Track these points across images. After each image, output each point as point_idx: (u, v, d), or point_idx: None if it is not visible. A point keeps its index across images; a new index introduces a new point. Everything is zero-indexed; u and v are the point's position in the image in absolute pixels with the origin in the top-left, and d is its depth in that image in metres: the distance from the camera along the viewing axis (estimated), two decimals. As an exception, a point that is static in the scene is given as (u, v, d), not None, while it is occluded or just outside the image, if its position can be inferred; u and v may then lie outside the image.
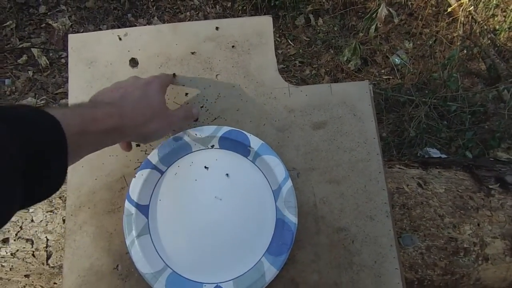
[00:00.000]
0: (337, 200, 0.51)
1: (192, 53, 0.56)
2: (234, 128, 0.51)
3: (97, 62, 0.56)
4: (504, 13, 1.69)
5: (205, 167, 0.51)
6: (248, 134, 0.51)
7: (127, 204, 0.48)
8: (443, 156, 0.98)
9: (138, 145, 0.53)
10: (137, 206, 0.48)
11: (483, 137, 1.02)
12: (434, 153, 1.01)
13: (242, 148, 0.51)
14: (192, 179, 0.51)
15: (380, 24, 1.32)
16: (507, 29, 1.60)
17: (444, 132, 1.07)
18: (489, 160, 0.65)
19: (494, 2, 1.64)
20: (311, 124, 0.54)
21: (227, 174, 0.51)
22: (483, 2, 1.61)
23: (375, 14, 1.14)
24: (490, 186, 0.60)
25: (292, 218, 0.47)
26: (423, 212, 0.56)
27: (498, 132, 0.96)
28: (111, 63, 0.56)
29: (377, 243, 0.49)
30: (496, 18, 1.69)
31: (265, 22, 0.58)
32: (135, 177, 0.49)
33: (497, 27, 1.64)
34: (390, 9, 1.17)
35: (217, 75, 0.56)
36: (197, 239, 0.49)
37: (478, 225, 0.56)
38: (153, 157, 0.50)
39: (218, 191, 0.50)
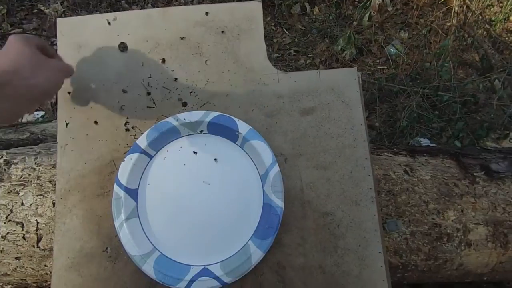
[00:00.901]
0: (324, 186, 0.51)
1: (182, 38, 0.56)
2: (222, 114, 0.52)
3: (86, 46, 0.55)
4: (501, 4, 1.68)
5: (194, 152, 0.52)
6: (236, 120, 0.51)
7: (116, 187, 0.49)
8: (433, 145, 0.99)
9: (127, 130, 0.53)
10: (126, 189, 0.49)
11: (474, 128, 1.03)
12: (425, 142, 1.02)
13: (230, 133, 0.51)
14: (180, 164, 0.51)
15: (374, 13, 1.32)
16: (502, 20, 1.60)
17: (436, 122, 1.08)
18: (475, 149, 0.66)
19: (491, -8, 1.63)
20: (299, 110, 0.54)
21: (215, 159, 0.51)
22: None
23: (369, 3, 1.13)
24: (475, 174, 0.61)
25: (278, 202, 0.48)
26: (408, 198, 0.57)
27: (486, 122, 0.97)
28: (100, 48, 0.55)
29: (361, 228, 0.50)
30: (492, 9, 1.68)
31: (255, 7, 0.58)
32: (124, 161, 0.50)
33: (493, 18, 1.64)
34: (384, -3, 1.16)
35: (206, 60, 0.56)
36: (185, 223, 0.49)
37: (462, 211, 0.57)
38: (142, 141, 0.50)
39: (206, 176, 0.51)
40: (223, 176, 0.51)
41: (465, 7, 1.35)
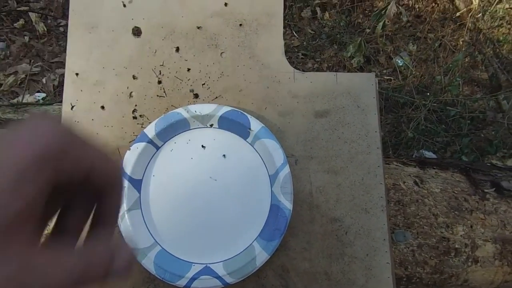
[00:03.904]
0: (334, 191, 0.50)
1: (198, 27, 0.54)
2: (235, 109, 0.50)
3: (99, 27, 0.54)
4: (509, 25, 1.69)
5: (202, 146, 0.50)
6: (249, 116, 0.49)
7: (119, 176, 0.47)
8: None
9: (134, 118, 0.51)
10: (130, 179, 0.47)
11: (479, 145, 1.02)
12: (429, 156, 1.02)
13: (241, 129, 0.49)
14: (188, 157, 0.49)
15: (388, 22, 1.31)
16: (511, 41, 1.61)
17: (442, 136, 1.07)
18: (486, 165, 0.65)
19: (500, 13, 1.64)
20: (313, 111, 0.53)
21: (224, 155, 0.50)
22: (490, 12, 1.61)
23: (384, 11, 1.13)
24: (486, 190, 0.60)
25: (287, 204, 0.46)
26: (417, 210, 0.56)
27: (495, 140, 0.97)
28: (113, 30, 0.54)
29: (370, 236, 0.48)
30: (500, 29, 1.69)
31: (275, 2, 0.56)
32: (129, 149, 0.48)
33: (501, 38, 1.65)
34: (400, 7, 1.16)
35: (222, 53, 0.54)
36: (189, 218, 0.47)
37: (471, 227, 0.56)
38: (150, 130, 0.48)
39: (213, 172, 0.49)
40: (230, 172, 0.49)
41: (477, 24, 1.35)
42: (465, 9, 1.37)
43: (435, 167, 0.62)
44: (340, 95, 0.53)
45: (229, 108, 0.50)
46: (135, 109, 0.52)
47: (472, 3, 1.31)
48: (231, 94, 0.53)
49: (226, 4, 0.55)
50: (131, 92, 0.52)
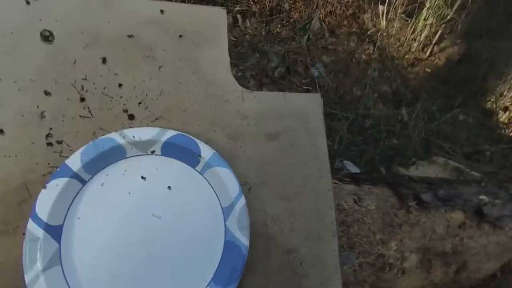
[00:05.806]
0: (288, 219, 0.48)
1: (130, 36, 0.46)
2: (182, 133, 0.44)
3: (-9, 25, 0.41)
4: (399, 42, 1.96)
5: (142, 177, 0.42)
6: (198, 141, 0.44)
7: (31, 224, 0.36)
8: (356, 169, 1.07)
9: (49, 144, 0.40)
10: (47, 227, 0.36)
11: (388, 154, 1.15)
12: (349, 165, 1.10)
13: (189, 156, 0.43)
14: (124, 192, 0.41)
15: (312, 36, 1.38)
16: (404, 58, 1.86)
17: (359, 146, 1.17)
18: (404, 178, 0.72)
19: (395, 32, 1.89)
20: (264, 134, 0.50)
21: (169, 187, 0.43)
22: (393, 32, 1.83)
23: (308, 26, 1.18)
24: (409, 204, 0.66)
25: (244, 240, 0.42)
26: (359, 230, 0.58)
27: (398, 149, 1.10)
28: (12, 32, 0.41)
29: (323, 264, 0.48)
30: (400, 48, 1.95)
31: (218, 14, 0.52)
32: (45, 187, 0.37)
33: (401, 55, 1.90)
34: (323, 23, 1.23)
35: (160, 66, 0.47)
36: (128, 267, 0.39)
37: (401, 240, 0.61)
38: (75, 162, 0.38)
39: (156, 208, 0.42)
40: (177, 208, 0.43)
41: (382, 43, 1.52)
42: (374, 29, 1.53)
43: (367, 182, 0.66)
44: (289, 116, 0.52)
45: (174, 132, 0.43)
46: (49, 134, 0.41)
47: (380, 23, 1.47)
48: (174, 114, 0.46)
49: (162, 12, 0.48)
50: (43, 111, 0.41)
